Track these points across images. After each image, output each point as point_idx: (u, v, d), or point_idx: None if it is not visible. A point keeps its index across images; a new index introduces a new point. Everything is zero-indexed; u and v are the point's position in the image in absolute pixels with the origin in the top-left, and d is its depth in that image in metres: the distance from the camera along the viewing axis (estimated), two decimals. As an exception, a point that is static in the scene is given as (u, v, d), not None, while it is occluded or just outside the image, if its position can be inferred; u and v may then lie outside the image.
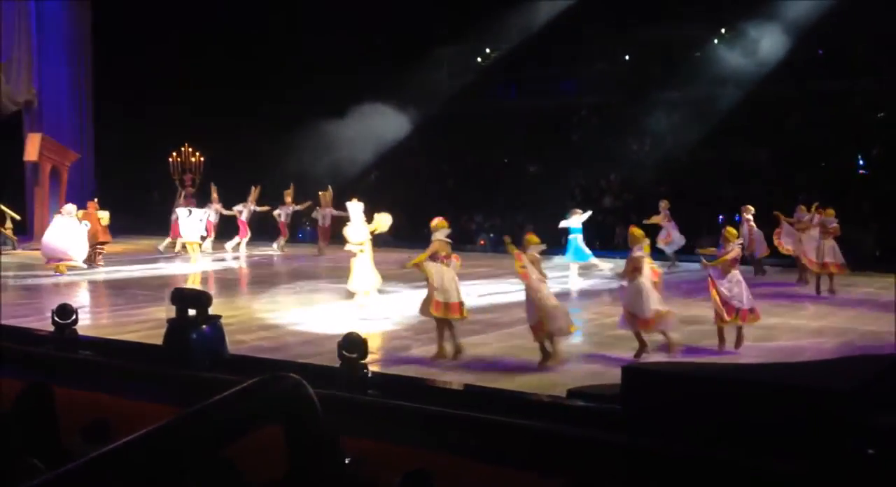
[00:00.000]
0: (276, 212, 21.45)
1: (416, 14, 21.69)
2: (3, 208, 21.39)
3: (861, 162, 20.01)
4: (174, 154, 23.15)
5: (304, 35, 22.73)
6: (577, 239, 16.51)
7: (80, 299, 13.63)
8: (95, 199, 19.57)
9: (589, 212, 16.92)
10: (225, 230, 21.44)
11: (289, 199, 21.48)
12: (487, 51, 24.22)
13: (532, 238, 10.12)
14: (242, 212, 21.11)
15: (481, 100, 22.69)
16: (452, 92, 22.58)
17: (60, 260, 16.88)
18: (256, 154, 22.85)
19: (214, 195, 21.38)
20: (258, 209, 21.28)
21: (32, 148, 22.57)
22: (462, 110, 22.58)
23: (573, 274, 16.47)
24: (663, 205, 17.29)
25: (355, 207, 12.99)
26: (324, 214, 20.63)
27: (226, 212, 21.27)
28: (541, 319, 9.56)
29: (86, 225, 17.40)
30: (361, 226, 12.82)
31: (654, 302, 9.94)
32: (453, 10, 21.63)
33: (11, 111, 23.93)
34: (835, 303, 13.84)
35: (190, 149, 23.23)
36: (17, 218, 20.44)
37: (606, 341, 11.04)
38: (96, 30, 25.05)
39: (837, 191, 18.00)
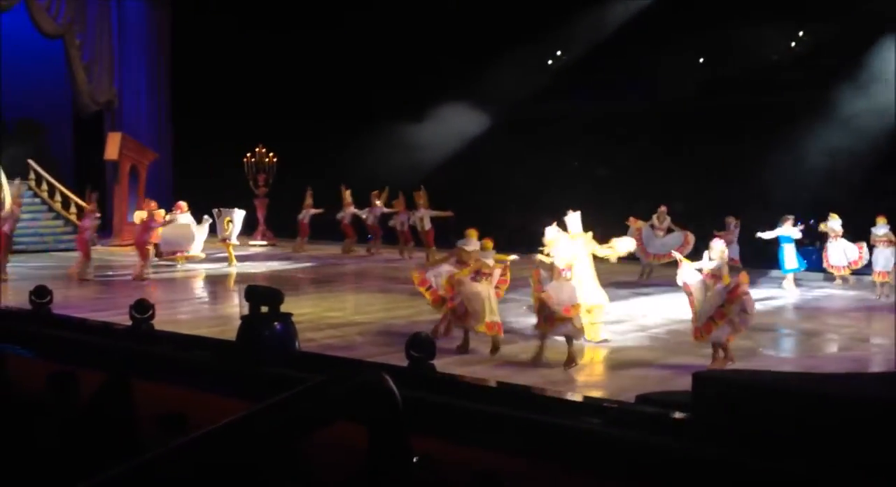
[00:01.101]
0: (362, 215, 20.94)
1: (488, 15, 21.67)
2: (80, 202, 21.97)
3: None
4: (248, 154, 23.53)
5: (380, 35, 22.89)
6: (789, 248, 15.58)
7: (157, 295, 13.95)
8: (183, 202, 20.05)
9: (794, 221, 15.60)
10: (326, 231, 21.42)
11: (378, 202, 20.77)
12: (559, 53, 24.12)
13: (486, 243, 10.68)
14: (366, 215, 20.74)
15: (551, 103, 22.58)
16: (523, 94, 22.52)
17: (177, 252, 18.37)
18: (328, 155, 23.03)
19: (348, 198, 20.92)
20: (386, 210, 20.75)
21: (113, 147, 23.12)
22: (531, 114, 22.53)
23: (790, 284, 15.61)
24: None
25: (574, 219, 11.44)
26: (420, 216, 19.54)
27: (359, 213, 20.88)
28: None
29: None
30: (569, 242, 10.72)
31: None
32: (525, 11, 21.57)
33: (93, 111, 24.55)
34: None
35: (264, 150, 23.59)
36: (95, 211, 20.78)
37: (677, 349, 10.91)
38: (175, 30, 25.58)
39: None
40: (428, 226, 19.34)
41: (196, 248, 18.60)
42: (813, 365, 9.70)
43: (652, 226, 16.46)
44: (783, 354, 10.95)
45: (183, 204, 19.22)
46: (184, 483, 1.43)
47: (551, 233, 10.69)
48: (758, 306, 11.95)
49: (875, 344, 11.48)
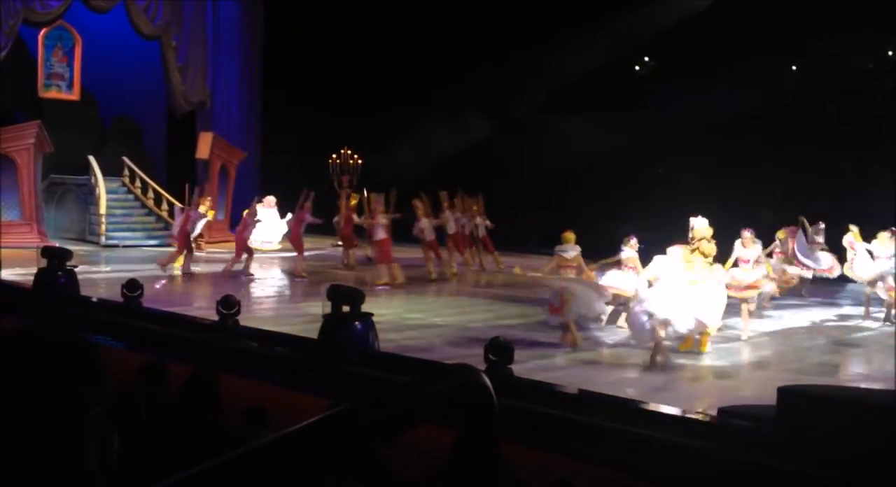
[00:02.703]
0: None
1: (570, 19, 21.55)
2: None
3: None
4: (333, 156, 23.84)
5: (464, 40, 22.99)
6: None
7: (242, 291, 14.24)
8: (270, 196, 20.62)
9: None
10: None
11: (476, 208, 18.95)
12: (646, 59, 23.85)
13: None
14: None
15: (636, 110, 22.33)
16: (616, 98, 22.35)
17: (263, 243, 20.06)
18: (411, 159, 23.17)
19: (480, 206, 18.99)
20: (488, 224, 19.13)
21: (204, 146, 23.64)
22: (616, 119, 22.31)
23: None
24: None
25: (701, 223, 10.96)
26: (477, 223, 18.56)
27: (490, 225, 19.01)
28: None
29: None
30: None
31: None
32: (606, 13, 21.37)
33: (186, 111, 25.17)
34: None
35: (349, 152, 23.86)
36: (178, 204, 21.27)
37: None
38: (268, 30, 26.04)
39: None
40: (483, 231, 18.73)
41: (276, 241, 20.31)
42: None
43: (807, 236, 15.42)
44: (868, 371, 10.63)
45: (272, 198, 19.76)
46: (271, 480, 1.46)
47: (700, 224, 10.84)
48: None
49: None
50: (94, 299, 11.51)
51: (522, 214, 21.78)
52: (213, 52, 25.29)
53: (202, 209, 17.69)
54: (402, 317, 12.69)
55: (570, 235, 11.35)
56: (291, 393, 6.55)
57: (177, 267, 16.74)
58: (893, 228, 14.73)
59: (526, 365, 9.67)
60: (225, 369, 6.14)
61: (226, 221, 23.62)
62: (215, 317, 9.36)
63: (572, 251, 11.23)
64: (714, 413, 7.19)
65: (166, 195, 22.86)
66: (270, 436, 1.50)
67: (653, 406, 8.04)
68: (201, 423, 4.97)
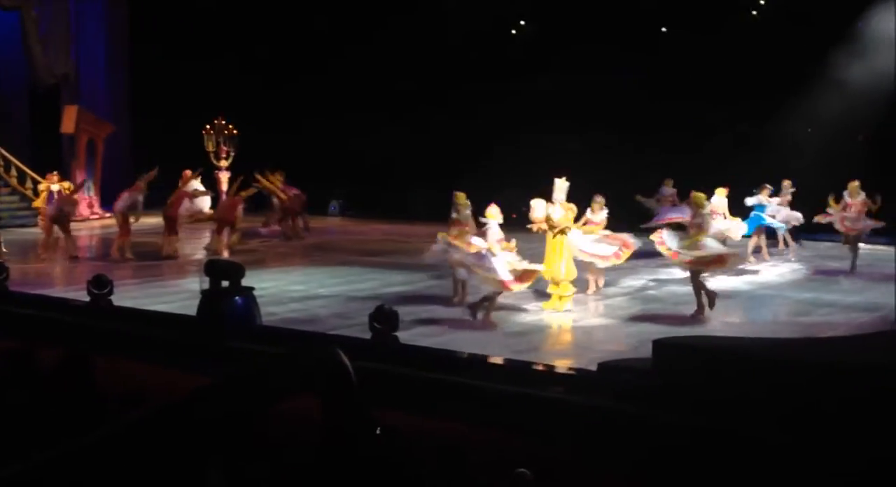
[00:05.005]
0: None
1: None
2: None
3: None
4: (208, 125, 23.22)
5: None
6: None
7: (114, 271, 13.75)
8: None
9: None
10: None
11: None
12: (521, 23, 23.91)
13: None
14: None
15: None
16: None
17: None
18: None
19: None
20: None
21: (69, 120, 22.76)
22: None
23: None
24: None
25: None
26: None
27: None
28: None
29: None
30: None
31: None
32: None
33: (49, 84, 24.12)
34: (869, 278, 13.68)
35: (223, 122, 23.27)
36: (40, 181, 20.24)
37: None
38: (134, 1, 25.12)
39: None
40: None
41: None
42: (772, 331, 9.84)
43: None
44: (738, 319, 11.08)
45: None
46: (137, 459, 1.41)
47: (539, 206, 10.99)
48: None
49: (825, 308, 11.66)
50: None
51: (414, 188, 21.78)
52: (77, 23, 24.29)
53: (54, 187, 16.72)
54: (284, 290, 12.51)
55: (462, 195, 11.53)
56: (171, 371, 6.40)
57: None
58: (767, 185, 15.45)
59: (412, 332, 9.70)
60: (98, 351, 5.91)
61: (96, 197, 22.82)
62: (87, 298, 9.03)
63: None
64: (594, 368, 7.39)
65: (32, 173, 21.87)
66: (131, 416, 1.44)
67: (537, 366, 8.20)
68: (76, 409, 4.79)
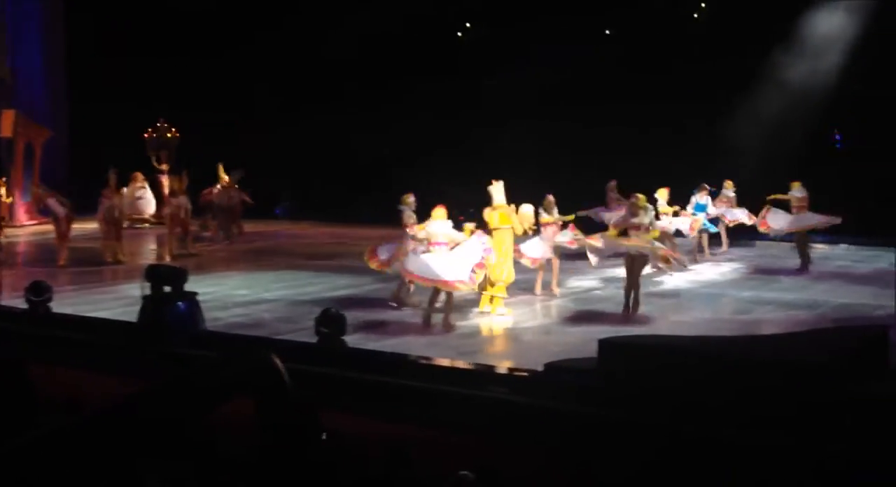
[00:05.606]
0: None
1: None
2: None
3: None
4: (150, 129, 22.90)
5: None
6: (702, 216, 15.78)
7: (54, 277, 13.46)
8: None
9: None
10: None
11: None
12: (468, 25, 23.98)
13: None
14: None
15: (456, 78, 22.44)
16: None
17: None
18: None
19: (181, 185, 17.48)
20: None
21: (6, 124, 22.39)
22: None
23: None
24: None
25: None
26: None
27: None
28: None
29: None
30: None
31: None
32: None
33: (-15, 88, 23.62)
34: (809, 277, 13.96)
35: (166, 125, 22.96)
36: None
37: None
38: (71, 4, 24.66)
39: None
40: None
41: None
42: (715, 329, 9.97)
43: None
44: (681, 318, 11.21)
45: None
46: (69, 466, 1.37)
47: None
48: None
49: (766, 306, 11.86)
50: None
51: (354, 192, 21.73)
52: (13, 26, 23.79)
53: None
54: (228, 294, 12.36)
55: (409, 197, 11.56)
56: (112, 378, 6.27)
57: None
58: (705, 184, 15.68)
59: (358, 335, 9.65)
60: (37, 359, 5.78)
61: (33, 203, 22.39)
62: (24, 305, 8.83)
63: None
64: (540, 368, 7.41)
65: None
66: (59, 422, 1.40)
67: (483, 367, 8.22)
68: (11, 419, 4.66)
